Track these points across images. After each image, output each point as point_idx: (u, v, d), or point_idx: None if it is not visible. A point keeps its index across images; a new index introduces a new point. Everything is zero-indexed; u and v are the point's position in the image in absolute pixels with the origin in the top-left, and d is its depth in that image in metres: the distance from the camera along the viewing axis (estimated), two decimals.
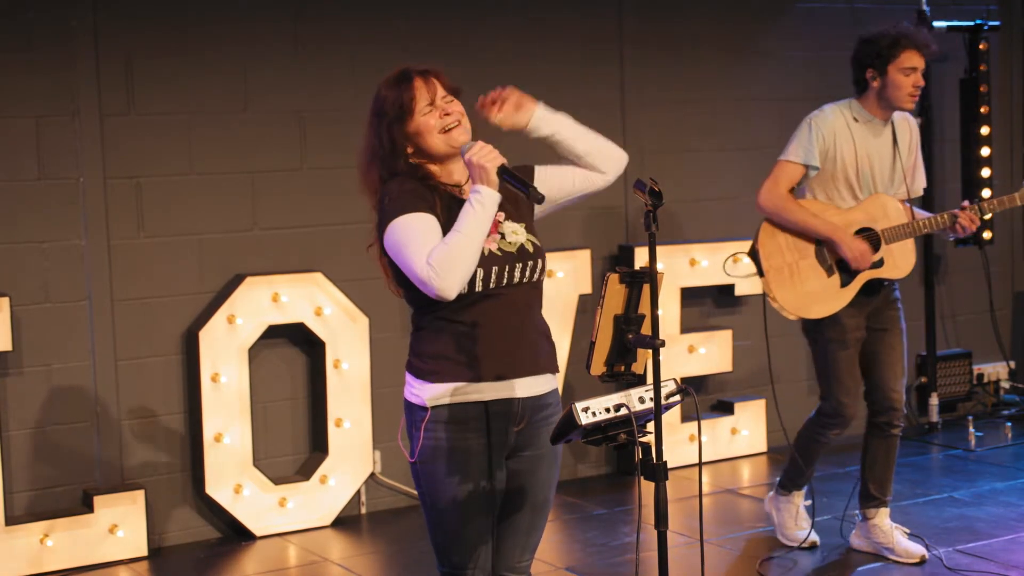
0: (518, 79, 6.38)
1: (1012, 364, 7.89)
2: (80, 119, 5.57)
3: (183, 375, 5.80)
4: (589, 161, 3.53)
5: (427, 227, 3.25)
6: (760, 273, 5.13)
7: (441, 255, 3.16)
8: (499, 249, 3.34)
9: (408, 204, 3.28)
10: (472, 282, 3.28)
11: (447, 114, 3.37)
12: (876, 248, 5.08)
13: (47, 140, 5.54)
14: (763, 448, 6.98)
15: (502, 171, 3.24)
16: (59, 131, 5.55)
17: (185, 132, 5.79)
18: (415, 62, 3.48)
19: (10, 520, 5.40)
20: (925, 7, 7.24)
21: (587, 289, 6.50)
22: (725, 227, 6.86)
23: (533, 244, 3.40)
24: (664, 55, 6.87)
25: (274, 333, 5.91)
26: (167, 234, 5.77)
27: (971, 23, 7.41)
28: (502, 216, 3.39)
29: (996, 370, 7.87)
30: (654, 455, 3.17)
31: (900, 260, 5.13)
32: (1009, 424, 7.34)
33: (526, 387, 3.38)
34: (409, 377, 3.41)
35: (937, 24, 7.27)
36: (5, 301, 5.36)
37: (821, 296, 5.09)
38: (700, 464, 3.40)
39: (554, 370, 3.47)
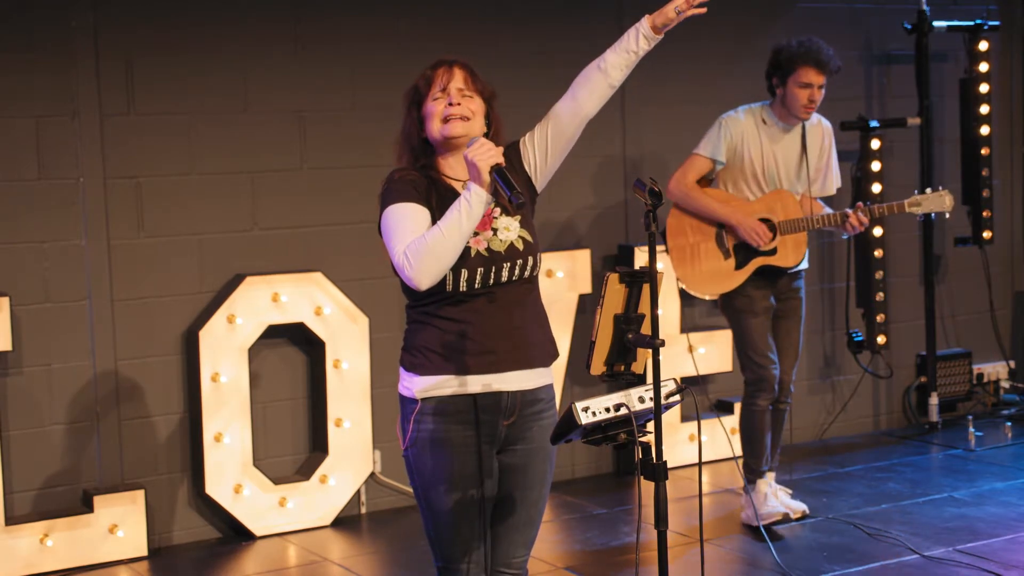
0: (518, 79, 6.40)
1: (1012, 364, 7.89)
2: (80, 119, 5.57)
3: (183, 375, 5.81)
4: (622, 75, 3.54)
5: (413, 217, 3.29)
6: (665, 250, 5.65)
7: (417, 247, 3.21)
8: (487, 249, 3.34)
9: (400, 193, 3.33)
10: (456, 282, 3.31)
11: (453, 104, 3.38)
12: (772, 237, 5.55)
13: (47, 140, 5.54)
14: None
15: (495, 170, 3.24)
16: (59, 131, 5.55)
17: (185, 132, 5.79)
18: (446, 55, 3.51)
19: (10, 520, 5.40)
20: (925, 7, 7.24)
21: (587, 289, 6.50)
22: None
23: (525, 241, 3.39)
24: (664, 55, 6.85)
25: (274, 333, 5.91)
26: (167, 234, 5.77)
27: (971, 23, 7.41)
28: (498, 211, 3.39)
29: (996, 370, 7.87)
30: (654, 455, 3.18)
31: (792, 251, 5.59)
32: (1009, 424, 7.34)
33: (516, 381, 3.39)
34: (401, 370, 3.44)
35: (937, 24, 7.27)
36: (5, 301, 5.36)
37: (716, 276, 5.59)
38: (700, 464, 3.40)
39: (547, 362, 3.47)
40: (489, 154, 3.24)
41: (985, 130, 7.43)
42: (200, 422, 5.71)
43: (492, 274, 3.33)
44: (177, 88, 5.76)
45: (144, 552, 5.61)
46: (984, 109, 7.42)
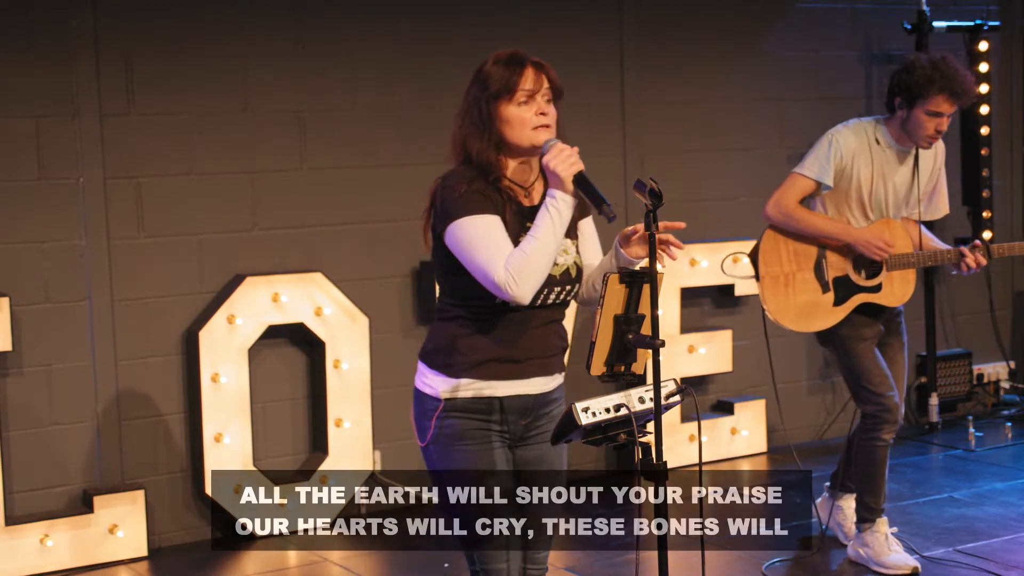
0: None
1: (1012, 364, 7.89)
2: (80, 119, 5.57)
3: (183, 375, 5.80)
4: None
5: (497, 231, 3.25)
6: (756, 277, 5.11)
7: (518, 262, 3.18)
8: None
9: (475, 204, 3.25)
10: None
11: (542, 113, 3.31)
12: (878, 272, 5.06)
13: (47, 140, 5.54)
14: (763, 448, 6.98)
15: (579, 178, 3.22)
16: (59, 131, 5.55)
17: (185, 132, 5.79)
18: (522, 52, 3.38)
19: (10, 520, 5.40)
20: (925, 7, 7.24)
21: None
22: (725, 227, 6.85)
23: (577, 267, 3.42)
24: (664, 55, 6.87)
25: (274, 333, 5.91)
26: (167, 234, 5.77)
27: (971, 23, 7.41)
28: None
29: (996, 370, 7.87)
30: (654, 455, 3.18)
31: (898, 288, 5.09)
32: (1009, 424, 7.34)
33: (537, 385, 3.43)
34: (422, 366, 3.42)
35: (937, 24, 7.27)
36: (5, 301, 5.36)
37: (811, 311, 5.06)
38: (700, 464, 3.40)
39: (563, 368, 3.53)
40: (569, 161, 3.22)
41: (985, 130, 7.42)
42: (200, 422, 5.71)
43: (541, 296, 3.34)
44: (177, 88, 5.76)
45: (144, 552, 5.61)
46: (984, 109, 7.42)
